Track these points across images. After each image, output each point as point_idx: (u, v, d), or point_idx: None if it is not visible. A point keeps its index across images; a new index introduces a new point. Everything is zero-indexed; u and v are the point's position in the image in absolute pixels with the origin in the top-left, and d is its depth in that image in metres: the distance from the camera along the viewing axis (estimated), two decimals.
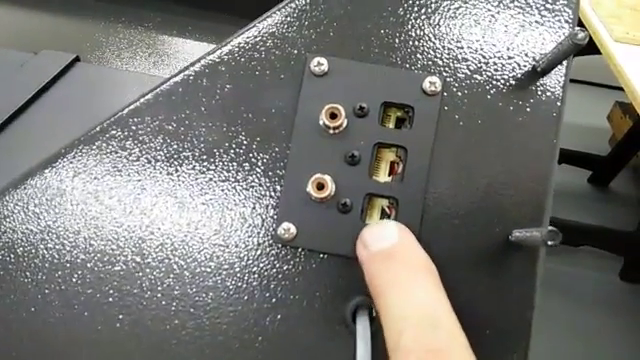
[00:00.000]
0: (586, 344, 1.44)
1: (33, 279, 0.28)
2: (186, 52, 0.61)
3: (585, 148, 1.91)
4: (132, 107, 0.28)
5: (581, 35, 0.24)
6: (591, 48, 1.21)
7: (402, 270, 0.24)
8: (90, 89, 0.46)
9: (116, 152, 0.28)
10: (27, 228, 0.28)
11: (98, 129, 0.28)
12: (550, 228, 0.23)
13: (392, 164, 0.29)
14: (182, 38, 0.62)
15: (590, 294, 1.59)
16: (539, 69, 0.28)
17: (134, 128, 0.28)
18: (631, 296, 1.65)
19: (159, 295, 0.28)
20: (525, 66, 0.28)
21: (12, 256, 0.28)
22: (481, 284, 0.27)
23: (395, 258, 0.24)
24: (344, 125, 0.28)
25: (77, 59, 0.51)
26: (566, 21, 0.28)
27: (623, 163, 1.93)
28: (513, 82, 0.28)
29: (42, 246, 0.28)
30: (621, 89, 1.08)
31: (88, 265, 0.28)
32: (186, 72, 0.29)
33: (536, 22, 0.28)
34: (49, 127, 0.41)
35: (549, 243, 0.23)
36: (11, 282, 0.28)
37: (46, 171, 0.28)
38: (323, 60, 0.28)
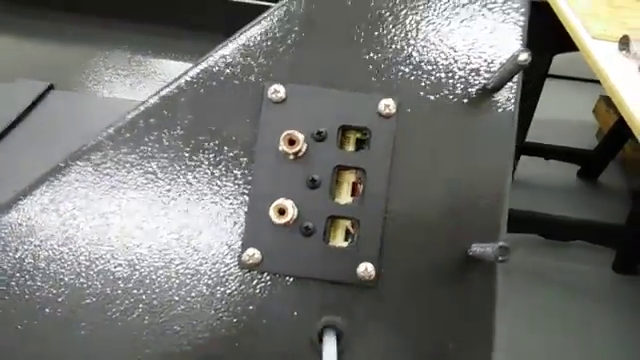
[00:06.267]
0: (582, 336, 1.45)
1: (5, 315, 0.28)
2: (162, 72, 0.61)
3: (573, 143, 1.92)
4: (94, 142, 0.29)
5: (523, 57, 0.25)
6: (572, 45, 1.22)
7: None
8: (63, 118, 0.46)
9: (81, 187, 0.29)
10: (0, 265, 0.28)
11: (62, 164, 0.29)
12: (500, 244, 0.24)
13: (354, 185, 0.30)
14: (158, 58, 0.63)
15: (584, 287, 1.60)
16: (489, 87, 0.28)
17: (97, 162, 0.29)
18: (624, 287, 1.66)
19: (130, 326, 0.28)
20: (476, 84, 0.29)
21: None
22: (443, 297, 0.28)
23: None
24: (304, 150, 0.29)
25: (51, 87, 0.51)
26: (516, 39, 0.29)
27: (610, 156, 1.95)
28: (465, 100, 0.29)
29: (13, 282, 0.28)
30: None
31: (59, 300, 0.28)
32: (147, 104, 0.29)
33: (487, 41, 0.29)
34: (23, 158, 0.41)
35: (499, 259, 0.24)
36: None
37: (12, 209, 0.29)
38: (280, 87, 0.29)
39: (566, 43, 1.23)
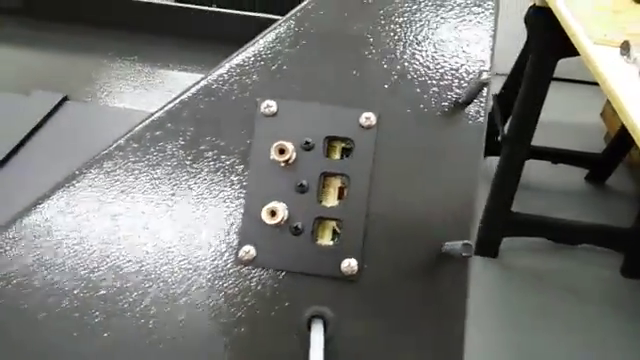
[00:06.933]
0: (589, 339, 1.46)
1: (28, 305, 0.32)
2: (170, 83, 0.65)
3: (581, 147, 1.93)
4: (106, 151, 0.32)
5: (484, 76, 0.28)
6: (576, 50, 1.24)
7: None
8: (77, 128, 0.50)
9: (94, 192, 0.32)
10: (20, 262, 0.32)
11: (77, 172, 0.32)
12: (465, 242, 0.27)
13: (340, 189, 0.33)
14: (166, 70, 0.67)
15: (592, 291, 1.61)
16: (460, 101, 0.31)
17: (109, 169, 0.32)
18: (632, 291, 1.66)
19: (138, 315, 0.32)
20: (449, 99, 0.32)
21: (9, 286, 0.32)
22: (419, 289, 0.31)
23: None
24: (293, 158, 0.32)
25: (65, 98, 0.55)
26: (484, 58, 0.32)
27: (618, 160, 1.95)
28: (439, 113, 0.32)
29: (34, 277, 0.32)
30: None
31: (75, 291, 0.32)
32: (153, 117, 0.33)
33: (458, 60, 0.32)
34: (40, 168, 0.45)
35: (463, 254, 0.27)
36: (8, 308, 0.32)
37: (33, 212, 0.32)
38: (272, 102, 0.32)
39: (570, 48, 1.25)
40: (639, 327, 1.54)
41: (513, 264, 1.66)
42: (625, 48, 1.18)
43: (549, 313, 1.56)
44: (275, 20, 0.56)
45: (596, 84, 2.13)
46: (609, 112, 2.00)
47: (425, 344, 0.31)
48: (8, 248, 0.32)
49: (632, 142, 1.91)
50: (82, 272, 0.32)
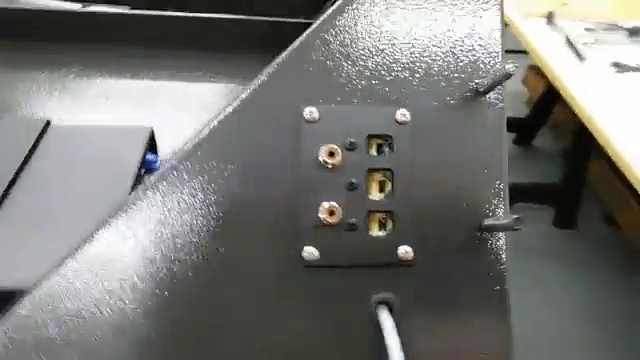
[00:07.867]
0: (531, 290, 1.59)
1: (100, 340, 0.32)
2: (143, 93, 0.63)
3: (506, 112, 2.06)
4: (159, 174, 0.33)
5: (510, 67, 0.31)
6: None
7: None
8: (69, 153, 0.47)
9: (153, 214, 0.33)
10: (88, 294, 0.32)
11: (133, 196, 0.33)
12: (515, 216, 0.31)
13: (380, 183, 0.36)
14: (138, 80, 0.65)
15: (530, 245, 1.74)
16: (482, 90, 0.35)
17: (165, 190, 0.33)
18: (565, 240, 1.83)
19: (211, 321, 0.33)
20: (471, 89, 0.35)
21: (79, 320, 0.32)
22: (467, 265, 0.35)
23: None
24: (340, 159, 0.34)
25: (48, 123, 0.52)
26: (496, 50, 0.36)
27: (542, 121, 2.11)
28: (464, 103, 0.35)
29: (103, 307, 0.32)
30: None
31: (147, 319, 0.32)
32: (200, 135, 0.34)
33: (475, 53, 0.36)
34: (42, 195, 0.43)
35: (515, 228, 0.30)
36: (81, 344, 0.32)
37: (94, 240, 0.32)
38: (313, 109, 0.34)
39: None
40: (575, 271, 1.70)
41: None
42: (550, 17, 1.27)
43: None
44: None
45: (516, 52, 2.26)
46: (531, 78, 2.15)
47: (474, 315, 0.35)
48: (73, 280, 0.32)
49: (553, 105, 2.06)
50: (151, 301, 0.32)
